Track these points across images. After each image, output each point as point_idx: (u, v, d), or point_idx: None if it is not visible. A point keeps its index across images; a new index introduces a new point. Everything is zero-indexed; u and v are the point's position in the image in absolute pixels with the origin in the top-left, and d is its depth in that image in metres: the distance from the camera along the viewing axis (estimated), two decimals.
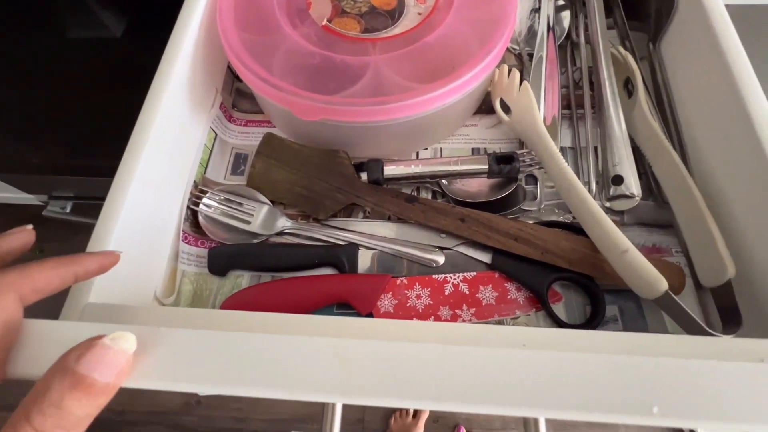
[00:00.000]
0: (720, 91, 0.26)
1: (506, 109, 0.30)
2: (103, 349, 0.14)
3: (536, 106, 0.27)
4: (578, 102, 0.33)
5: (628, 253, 0.22)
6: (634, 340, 0.17)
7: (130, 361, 0.15)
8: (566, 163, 0.25)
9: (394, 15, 0.30)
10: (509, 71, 0.30)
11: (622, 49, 0.31)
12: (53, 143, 0.80)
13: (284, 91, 0.26)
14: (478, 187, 0.30)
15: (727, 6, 0.28)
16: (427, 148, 0.33)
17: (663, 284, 0.21)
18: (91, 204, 1.01)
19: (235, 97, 0.35)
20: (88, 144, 0.76)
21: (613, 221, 0.28)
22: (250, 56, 0.28)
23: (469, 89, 0.27)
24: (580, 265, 0.25)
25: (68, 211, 1.03)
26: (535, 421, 0.48)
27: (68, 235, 1.20)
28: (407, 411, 0.80)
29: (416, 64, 0.28)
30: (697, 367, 0.15)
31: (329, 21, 0.30)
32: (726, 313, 0.22)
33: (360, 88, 0.27)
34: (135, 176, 0.24)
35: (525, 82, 0.28)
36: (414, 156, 0.33)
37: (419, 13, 0.30)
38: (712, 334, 0.20)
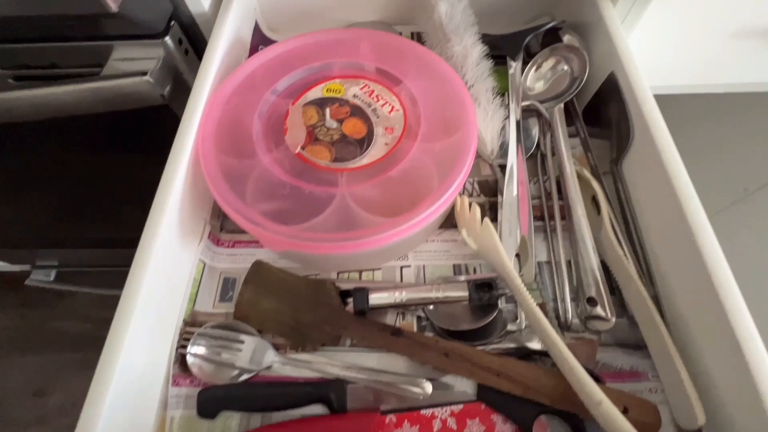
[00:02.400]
0: (672, 224, 0.28)
1: None
2: None
3: (499, 243, 0.29)
4: (550, 212, 0.35)
5: (602, 405, 0.23)
6: None
7: None
8: (535, 305, 0.27)
9: (363, 144, 0.32)
10: (470, 204, 0.32)
11: (586, 172, 0.34)
12: (35, 214, 0.79)
13: (254, 222, 0.28)
14: (461, 311, 0.31)
15: (656, 96, 0.31)
16: (410, 265, 0.34)
17: None
18: (76, 272, 1.00)
19: (222, 219, 0.37)
20: (70, 215, 0.76)
21: (591, 341, 0.30)
22: (225, 182, 0.30)
23: (429, 222, 0.29)
24: (562, 403, 0.26)
25: (52, 279, 1.01)
26: None
27: (52, 300, 1.18)
28: None
29: (380, 197, 0.30)
30: None
31: (302, 148, 0.32)
32: None
33: (325, 219, 0.29)
34: (130, 329, 0.24)
35: (486, 220, 0.29)
36: (397, 273, 0.34)
37: (386, 143, 0.32)
38: None
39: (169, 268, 0.29)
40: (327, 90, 0.35)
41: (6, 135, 0.57)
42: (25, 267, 1.03)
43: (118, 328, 0.24)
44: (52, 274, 1.02)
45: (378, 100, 0.34)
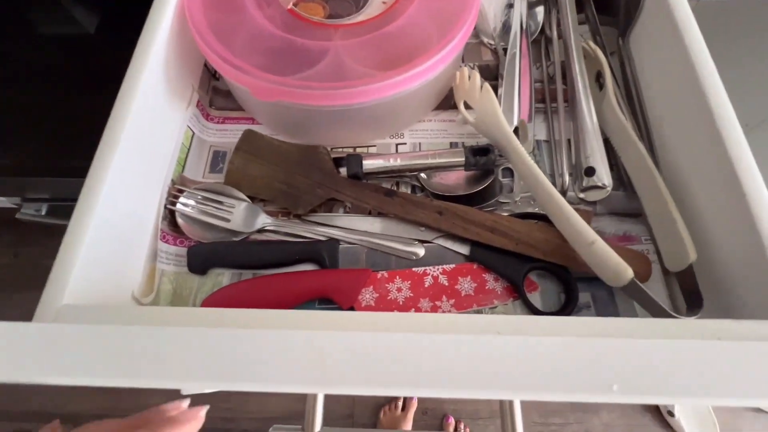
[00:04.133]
0: (684, 87, 0.27)
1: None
2: None
3: (498, 108, 0.28)
4: (552, 96, 0.34)
5: (594, 245, 0.23)
6: (601, 324, 0.18)
7: None
8: (532, 161, 0.26)
9: (359, 2, 0.31)
10: (470, 74, 0.30)
11: (592, 44, 0.32)
12: (25, 144, 0.77)
13: (242, 70, 0.27)
14: (456, 180, 0.30)
15: (690, 1, 0.29)
16: (405, 143, 0.33)
17: (628, 273, 0.22)
18: (68, 206, 0.99)
19: (213, 96, 0.35)
20: (62, 144, 0.74)
21: (586, 211, 0.30)
22: (213, 35, 0.28)
23: (426, 79, 0.28)
24: (553, 256, 0.26)
25: (44, 213, 1.00)
26: (511, 405, 0.49)
27: (44, 238, 1.17)
28: (396, 404, 0.81)
29: (375, 52, 0.29)
30: (656, 346, 0.16)
31: (295, 5, 0.30)
32: (689, 296, 0.23)
33: (318, 72, 0.28)
34: (109, 174, 0.24)
35: (486, 85, 0.28)
36: (392, 149, 0.33)
37: (384, 2, 0.30)
38: (674, 317, 0.21)
39: (152, 122, 0.28)
40: None
41: None
42: (16, 200, 1.01)
43: (96, 171, 0.23)
44: (44, 208, 1.01)
45: None
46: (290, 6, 0.30)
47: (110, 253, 0.24)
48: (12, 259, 1.18)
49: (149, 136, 0.27)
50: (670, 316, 0.21)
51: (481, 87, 0.30)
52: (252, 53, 0.28)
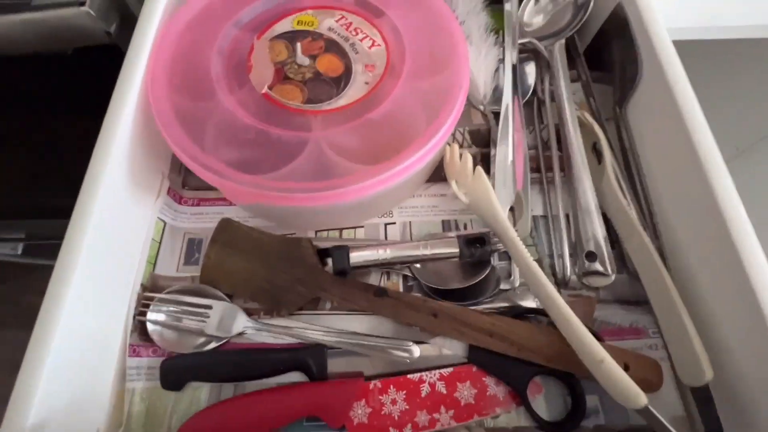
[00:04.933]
0: (684, 169, 0.25)
1: None
2: None
3: (492, 194, 0.26)
4: (548, 164, 0.32)
5: (603, 364, 0.21)
6: None
7: None
8: (532, 260, 0.24)
9: (340, 83, 0.28)
10: (461, 154, 0.28)
11: (588, 116, 0.30)
12: None
13: (214, 172, 0.24)
14: (450, 269, 0.29)
15: (675, 42, 0.28)
16: (395, 222, 0.31)
17: (641, 399, 0.20)
18: (44, 244, 0.95)
19: (185, 175, 0.33)
20: (37, 182, 0.71)
21: (589, 299, 0.28)
22: (181, 126, 0.26)
23: (415, 171, 0.26)
24: (557, 362, 0.24)
25: (19, 253, 0.96)
26: None
27: (22, 274, 1.12)
28: None
29: (359, 142, 0.26)
30: None
31: (270, 88, 0.28)
32: (706, 418, 0.22)
33: (297, 167, 0.25)
34: (69, 292, 0.21)
35: (478, 168, 0.26)
36: (381, 230, 0.31)
37: (366, 82, 0.28)
38: None
39: (118, 222, 0.25)
40: (297, 22, 0.30)
41: None
42: None
43: (54, 289, 0.21)
44: (20, 247, 0.96)
45: (357, 34, 0.30)
46: (264, 90, 0.27)
47: (72, 384, 0.21)
48: None
49: (115, 241, 0.25)
50: None
51: (474, 170, 0.28)
52: (224, 146, 0.26)
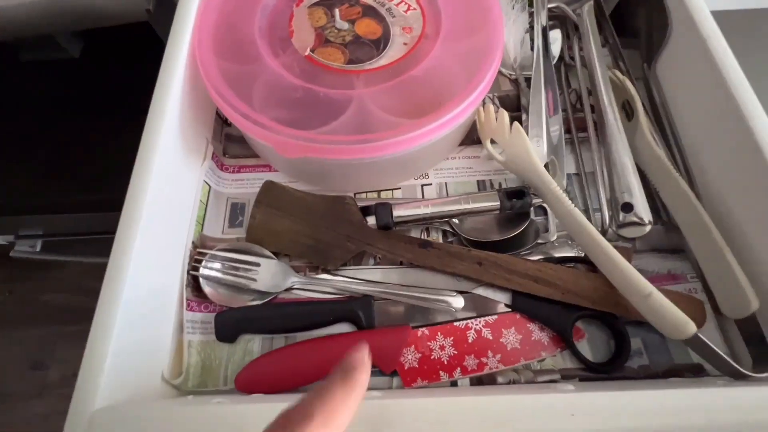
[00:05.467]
0: (720, 112, 0.26)
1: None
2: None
3: (531, 148, 0.27)
4: (578, 125, 0.33)
5: (651, 297, 0.22)
6: (677, 400, 0.17)
7: None
8: (573, 206, 0.25)
9: (380, 45, 0.29)
10: (497, 113, 0.29)
11: (619, 74, 0.31)
12: (15, 179, 0.75)
13: (265, 127, 0.25)
14: (489, 223, 0.29)
15: (713, 12, 0.28)
16: (431, 183, 0.32)
17: (690, 328, 0.21)
18: (63, 241, 0.96)
19: (226, 143, 0.33)
20: (53, 178, 0.72)
21: (626, 248, 0.29)
22: (230, 88, 0.26)
23: (456, 124, 0.27)
24: (602, 304, 0.25)
25: (38, 249, 0.97)
26: None
27: (40, 273, 1.14)
28: None
29: (401, 99, 0.27)
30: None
31: (312, 51, 0.29)
32: (754, 347, 0.22)
33: (343, 123, 0.26)
34: (133, 251, 0.22)
35: (516, 124, 0.27)
36: (418, 191, 0.32)
37: (405, 43, 0.29)
38: (743, 375, 0.20)
39: (171, 184, 0.26)
40: None
41: None
42: (9, 237, 0.98)
43: (120, 246, 0.22)
44: (38, 244, 0.98)
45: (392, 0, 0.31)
46: (308, 52, 0.28)
47: (138, 338, 0.22)
48: (6, 296, 1.14)
49: (169, 202, 0.26)
50: (737, 372, 0.20)
51: (511, 126, 0.29)
52: (272, 106, 0.27)
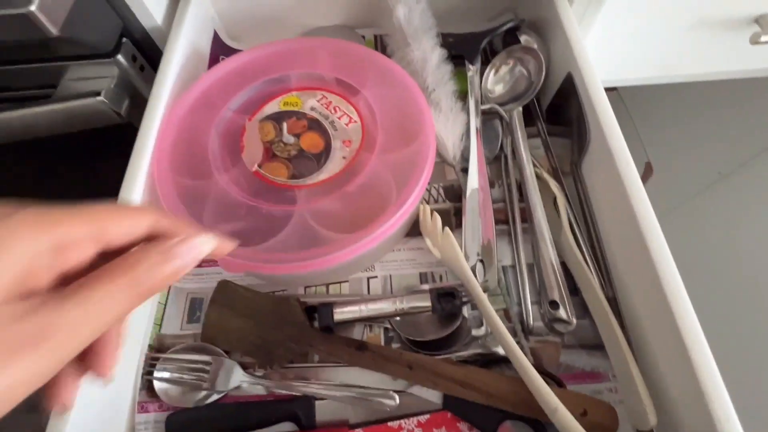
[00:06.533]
0: (625, 226, 0.28)
1: None
2: (198, 244, 0.17)
3: (459, 252, 0.29)
4: (514, 216, 0.35)
5: (558, 412, 0.23)
6: None
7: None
8: (494, 313, 0.27)
9: (321, 158, 0.32)
10: (432, 213, 0.32)
11: (545, 174, 0.34)
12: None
13: None
14: (425, 321, 0.31)
15: (627, 88, 0.31)
16: (377, 276, 0.34)
17: None
18: None
19: None
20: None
21: (555, 343, 0.30)
22: (182, 203, 0.29)
23: (389, 235, 0.29)
24: (522, 408, 0.27)
25: None
26: None
27: None
28: None
29: (338, 211, 0.30)
30: None
31: (260, 166, 0.31)
32: None
33: (284, 238, 0.29)
34: None
35: (446, 229, 0.30)
36: (364, 284, 0.34)
37: (344, 157, 0.32)
38: None
39: None
40: (284, 104, 0.34)
41: None
42: None
43: None
44: None
45: (336, 112, 0.34)
46: (255, 168, 0.31)
47: None
48: None
49: None
50: None
51: (443, 230, 0.31)
52: (220, 221, 0.29)
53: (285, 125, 0.33)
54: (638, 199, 0.27)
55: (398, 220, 0.29)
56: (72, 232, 0.14)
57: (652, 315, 0.26)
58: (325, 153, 0.32)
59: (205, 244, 0.17)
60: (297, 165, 0.32)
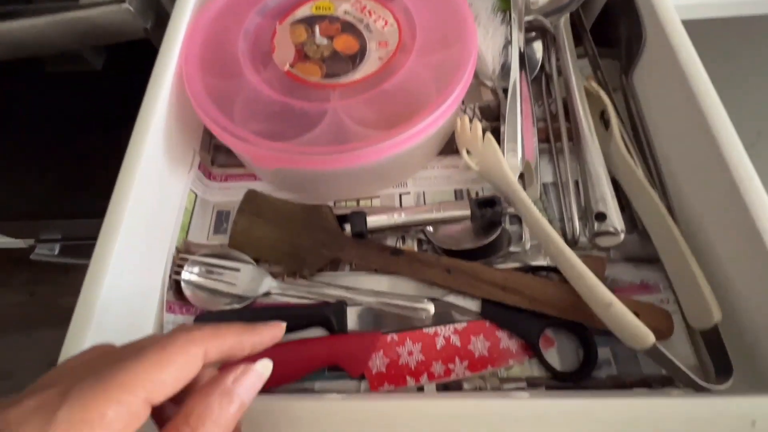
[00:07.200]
0: (689, 125, 0.26)
1: None
2: (256, 376, 0.16)
3: (502, 158, 0.27)
4: (556, 135, 0.33)
5: (612, 307, 0.22)
6: (629, 407, 0.17)
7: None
8: (540, 215, 0.26)
9: (356, 59, 0.30)
10: (471, 122, 0.30)
11: (594, 84, 0.31)
12: (36, 186, 0.79)
13: (242, 139, 0.27)
14: (462, 232, 0.30)
15: (684, 22, 0.28)
16: (409, 192, 0.33)
17: (649, 338, 0.21)
18: (80, 245, 1.00)
19: (214, 153, 0.35)
20: (73, 185, 0.76)
21: (600, 258, 0.29)
22: (212, 102, 0.28)
23: (427, 135, 0.27)
24: (569, 313, 0.25)
25: (56, 253, 1.01)
26: None
27: (59, 276, 1.18)
28: None
29: (374, 111, 0.28)
30: None
31: (292, 66, 0.30)
32: (716, 358, 0.22)
33: (317, 134, 0.27)
34: (113, 255, 0.23)
35: (488, 134, 0.28)
36: (396, 199, 0.33)
37: (380, 58, 0.30)
38: (702, 387, 0.20)
39: (156, 192, 0.28)
40: (316, 8, 0.33)
41: (7, 106, 0.57)
42: (30, 241, 1.03)
43: (102, 250, 0.23)
44: (57, 248, 1.02)
45: (370, 15, 0.32)
46: (287, 68, 0.30)
47: (118, 330, 0.23)
48: (28, 297, 1.19)
49: (153, 209, 0.27)
50: (695, 384, 0.20)
51: (483, 136, 0.29)
52: (251, 119, 0.28)
53: (317, 28, 0.31)
54: (706, 92, 0.24)
55: (438, 118, 0.27)
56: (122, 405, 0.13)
57: (720, 214, 0.24)
58: (360, 54, 0.30)
59: (264, 370, 0.17)
60: (331, 65, 0.30)
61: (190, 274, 0.29)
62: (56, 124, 0.63)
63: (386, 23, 0.31)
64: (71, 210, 0.86)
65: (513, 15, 0.34)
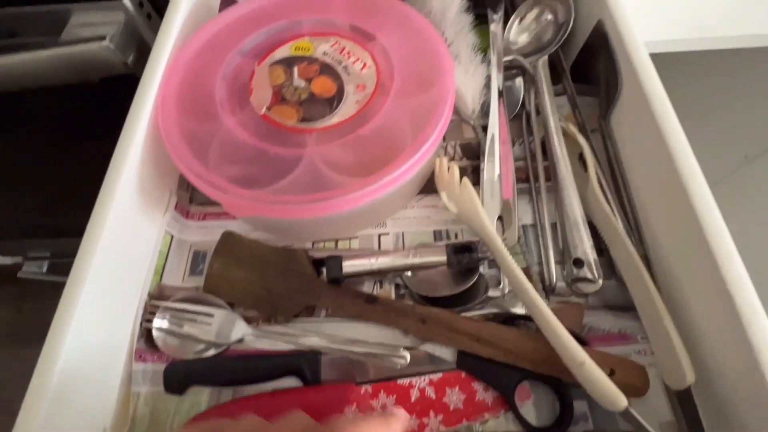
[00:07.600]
0: (662, 173, 0.26)
1: None
2: None
3: (479, 203, 0.27)
4: (536, 174, 0.33)
5: (584, 366, 0.21)
6: None
7: None
8: (516, 266, 0.25)
9: (333, 102, 0.30)
10: (449, 166, 0.30)
11: (572, 127, 0.31)
12: (25, 204, 0.78)
13: (216, 186, 0.26)
14: (440, 276, 0.29)
15: (652, 55, 0.28)
16: (388, 233, 0.32)
17: (621, 402, 0.20)
18: (69, 263, 0.99)
19: (192, 191, 0.35)
20: (61, 203, 0.75)
21: (578, 305, 0.28)
22: (187, 145, 0.28)
23: (404, 181, 0.27)
24: (543, 366, 0.25)
25: (44, 270, 1.00)
26: None
27: (47, 292, 1.16)
28: None
29: (350, 157, 0.28)
30: None
31: (268, 109, 0.30)
32: (689, 420, 0.22)
33: (292, 181, 0.27)
34: (81, 300, 0.23)
35: (465, 179, 0.28)
36: (375, 240, 0.32)
37: (357, 101, 0.30)
38: None
39: (128, 237, 0.27)
40: (295, 48, 0.33)
41: None
42: (17, 259, 1.02)
43: (68, 297, 0.23)
44: (45, 265, 1.01)
45: (349, 57, 0.32)
46: (263, 111, 0.30)
47: (81, 388, 0.23)
48: (15, 313, 1.18)
49: (124, 252, 0.27)
50: None
51: (461, 181, 0.29)
52: (226, 163, 0.28)
53: (296, 69, 0.31)
54: (677, 142, 0.24)
55: (414, 164, 0.27)
56: None
57: (693, 269, 0.24)
58: (337, 97, 0.30)
59: None
60: (308, 109, 0.30)
61: (161, 321, 0.28)
62: (44, 141, 0.63)
63: (365, 65, 0.31)
64: (60, 228, 0.85)
65: (492, 56, 0.34)
